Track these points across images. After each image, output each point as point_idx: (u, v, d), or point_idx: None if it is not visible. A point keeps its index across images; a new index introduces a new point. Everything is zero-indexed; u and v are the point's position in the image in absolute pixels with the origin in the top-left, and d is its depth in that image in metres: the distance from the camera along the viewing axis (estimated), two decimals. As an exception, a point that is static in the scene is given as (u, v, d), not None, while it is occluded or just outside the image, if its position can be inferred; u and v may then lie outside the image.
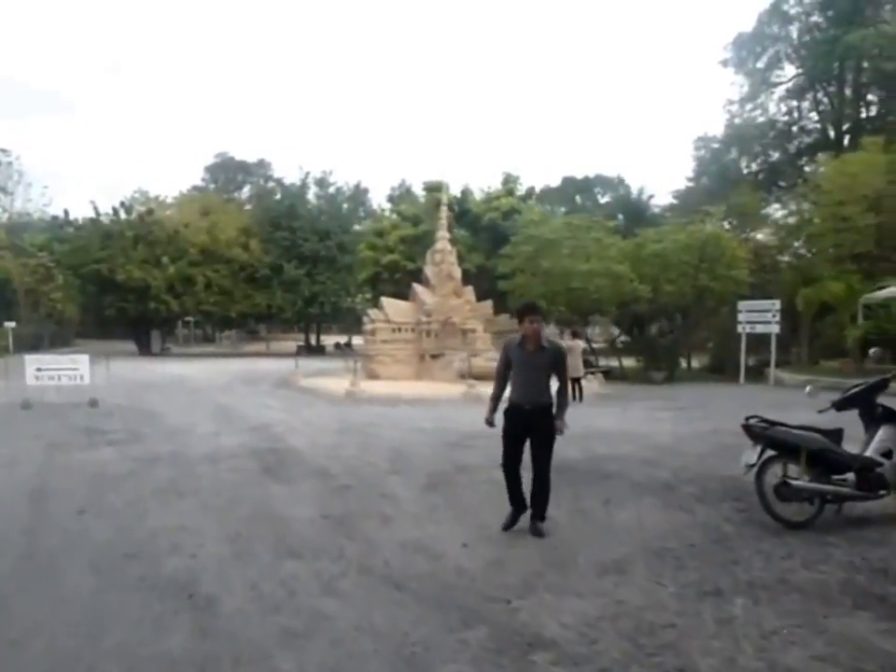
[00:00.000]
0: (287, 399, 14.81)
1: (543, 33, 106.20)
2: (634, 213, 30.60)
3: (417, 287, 20.42)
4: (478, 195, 31.38)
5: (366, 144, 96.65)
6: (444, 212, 20.97)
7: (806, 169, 33.76)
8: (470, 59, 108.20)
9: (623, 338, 23.62)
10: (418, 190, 48.76)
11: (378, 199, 60.55)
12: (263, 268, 36.54)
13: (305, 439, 9.74)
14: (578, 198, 34.51)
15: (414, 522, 5.70)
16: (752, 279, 19.75)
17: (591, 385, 16.24)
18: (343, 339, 47.75)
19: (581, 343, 15.23)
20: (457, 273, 20.47)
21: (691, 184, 44.42)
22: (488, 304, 21.09)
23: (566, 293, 19.22)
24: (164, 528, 5.49)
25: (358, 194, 45.55)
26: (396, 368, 18.99)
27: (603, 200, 44.41)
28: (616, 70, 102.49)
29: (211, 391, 16.45)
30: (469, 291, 20.74)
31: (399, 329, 19.47)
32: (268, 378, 20.28)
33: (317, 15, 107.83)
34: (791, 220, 24.01)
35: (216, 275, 35.84)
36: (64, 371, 13.64)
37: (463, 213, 29.64)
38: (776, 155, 37.26)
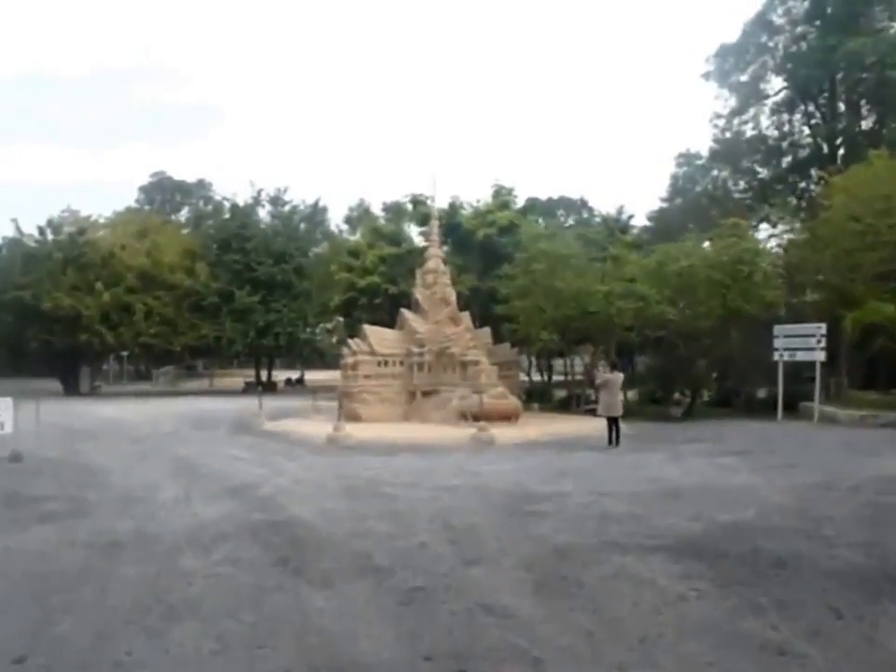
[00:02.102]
0: (257, 447, 13.91)
1: (512, 48, 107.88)
2: (611, 235, 29.92)
3: (406, 314, 19.71)
4: (466, 210, 30.23)
5: (323, 160, 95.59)
6: (435, 227, 20.49)
7: (801, 185, 33.59)
8: (439, 73, 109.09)
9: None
10: (377, 210, 47.93)
11: (338, 219, 59.34)
12: (211, 295, 35.59)
13: (308, 505, 8.20)
14: (540, 220, 34.12)
15: (576, 664, 3.89)
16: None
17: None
18: (294, 374, 47.42)
19: (620, 376, 14.05)
20: (452, 296, 19.85)
21: (664, 204, 44.70)
22: (486, 332, 20.53)
23: (581, 318, 18.71)
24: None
25: (317, 213, 44.16)
26: (381, 408, 18.16)
27: (567, 223, 44.16)
28: (586, 85, 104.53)
29: (161, 439, 15.51)
30: (466, 317, 20.17)
31: (386, 362, 18.63)
32: (223, 421, 19.60)
33: (271, 16, 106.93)
34: (791, 237, 23.53)
35: (157, 303, 34.60)
36: (-22, 417, 11.75)
37: (451, 229, 28.61)
38: (764, 171, 37.26)
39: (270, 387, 38.42)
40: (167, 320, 35.05)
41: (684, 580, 5.18)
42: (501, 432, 14.30)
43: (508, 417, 16.12)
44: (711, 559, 5.69)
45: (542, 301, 19.66)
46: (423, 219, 29.04)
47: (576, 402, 20.97)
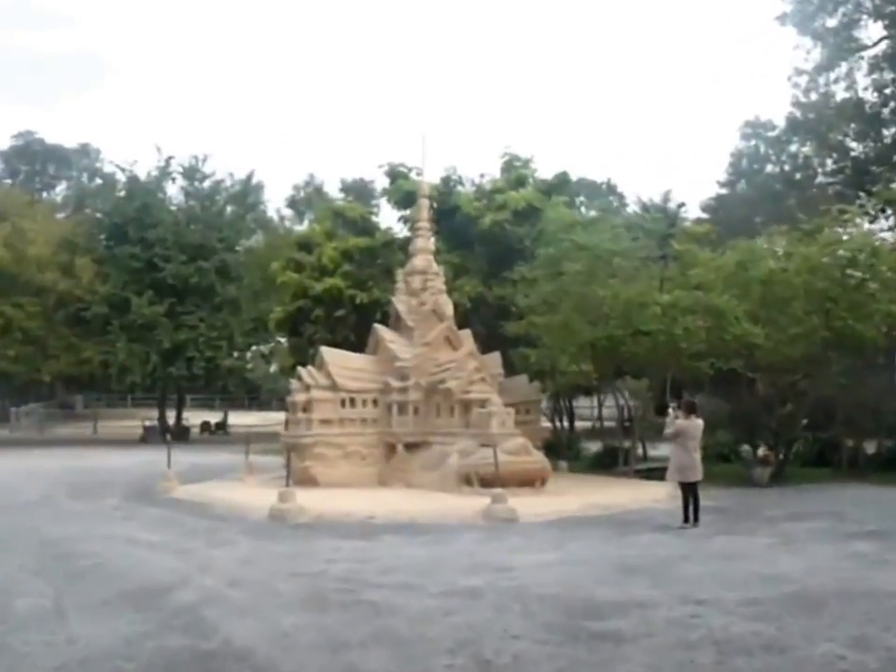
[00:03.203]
0: (167, 526, 13.82)
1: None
2: (672, 225, 29.87)
3: (382, 332, 19.79)
4: (466, 188, 30.17)
5: (256, 122, 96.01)
6: (425, 210, 20.73)
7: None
8: (421, 17, 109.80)
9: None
10: (334, 191, 47.39)
11: (279, 201, 61.16)
12: (97, 303, 35.58)
13: (252, 623, 7.68)
14: (580, 205, 34.64)
15: None
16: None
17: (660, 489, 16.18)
18: (215, 416, 47.85)
19: (699, 424, 13.64)
20: (449, 307, 20.06)
21: (723, 190, 44.92)
22: (496, 359, 20.50)
23: (631, 339, 18.92)
24: None
25: (249, 192, 44.12)
26: (346, 467, 18.30)
27: (589, 211, 44.44)
28: (611, 29, 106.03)
29: (21, 513, 15.35)
30: (468, 338, 20.14)
31: (352, 401, 18.72)
32: (114, 484, 19.77)
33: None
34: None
35: (18, 314, 34.42)
36: None
37: (446, 214, 28.45)
38: (860, 147, 37.50)
39: (180, 434, 38.16)
40: (33, 338, 34.81)
41: None
42: (525, 503, 14.27)
43: (531, 482, 16.13)
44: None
45: (575, 316, 19.79)
46: (405, 199, 28.97)
47: (622, 459, 20.95)
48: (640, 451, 22.84)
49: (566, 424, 30.88)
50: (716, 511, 14.45)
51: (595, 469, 21.80)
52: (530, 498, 14.99)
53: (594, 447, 24.90)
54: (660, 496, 15.78)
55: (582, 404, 47.27)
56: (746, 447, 21.02)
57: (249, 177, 44.38)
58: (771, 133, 40.69)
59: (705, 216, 41.95)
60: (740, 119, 55.93)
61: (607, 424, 29.95)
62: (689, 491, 13.11)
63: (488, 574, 9.60)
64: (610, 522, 13.67)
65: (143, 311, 34.99)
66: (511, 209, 27.65)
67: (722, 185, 44.37)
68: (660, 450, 24.07)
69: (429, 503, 15.17)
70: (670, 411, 14.23)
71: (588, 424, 42.81)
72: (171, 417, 41.10)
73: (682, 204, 40.90)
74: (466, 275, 27.47)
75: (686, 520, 12.98)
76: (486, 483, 15.26)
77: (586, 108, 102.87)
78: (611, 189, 50.63)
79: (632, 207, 43.67)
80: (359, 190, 39.16)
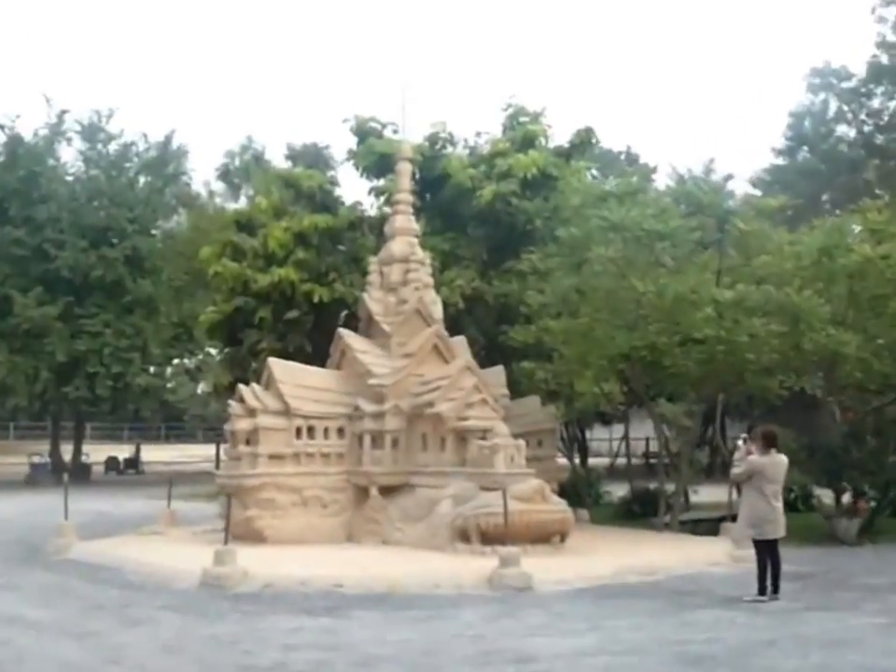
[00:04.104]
0: (64, 596, 13.68)
1: None
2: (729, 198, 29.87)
3: (349, 340, 20.01)
4: (458, 150, 29.93)
5: (174, 67, 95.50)
6: (407, 178, 21.13)
7: None
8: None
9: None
10: (279, 159, 46.97)
11: (207, 171, 61.57)
12: None
13: None
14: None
15: None
16: None
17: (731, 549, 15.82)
18: (125, 450, 48.26)
19: (783, 461, 13.48)
20: (438, 308, 20.37)
21: (781, 160, 45.08)
22: (499, 374, 20.72)
23: (680, 350, 18.96)
24: None
25: (168, 159, 44.03)
26: (303, 518, 18.24)
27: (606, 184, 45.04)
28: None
29: None
30: (463, 346, 20.46)
31: (310, 430, 18.68)
32: None
33: None
34: None
35: None
36: None
37: (430, 184, 28.10)
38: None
39: (79, 474, 37.87)
40: None
41: None
42: (542, 566, 14.14)
43: (548, 537, 16.18)
44: None
45: (604, 319, 20.06)
46: (378, 165, 28.62)
47: (662, 507, 20.83)
48: (688, 494, 22.98)
49: (577, 457, 30.97)
50: (797, 578, 14.21)
51: (624, 520, 21.91)
52: (548, 559, 14.95)
53: (617, 490, 25.06)
54: (717, 556, 15.67)
55: (596, 435, 47.77)
56: (824, 491, 21.01)
57: (168, 140, 44.14)
58: (846, 84, 40.71)
59: (756, 192, 42.01)
60: (804, 68, 56.08)
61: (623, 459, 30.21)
62: (767, 552, 12.90)
63: (505, 667, 9.44)
64: (658, 592, 13.56)
65: (29, 313, 34.82)
66: (516, 178, 27.20)
67: (779, 153, 44.64)
68: (702, 494, 24.02)
69: (414, 566, 15.01)
70: (740, 443, 14.15)
71: (604, 459, 43.35)
72: (67, 452, 40.82)
73: (730, 176, 40.84)
74: (458, 265, 27.11)
75: (762, 590, 12.72)
76: (489, 538, 15.30)
77: (596, 57, 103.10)
78: (631, 158, 51.21)
79: (657, 182, 43.79)
80: (312, 158, 38.70)
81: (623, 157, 51.03)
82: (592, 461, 35.90)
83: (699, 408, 22.12)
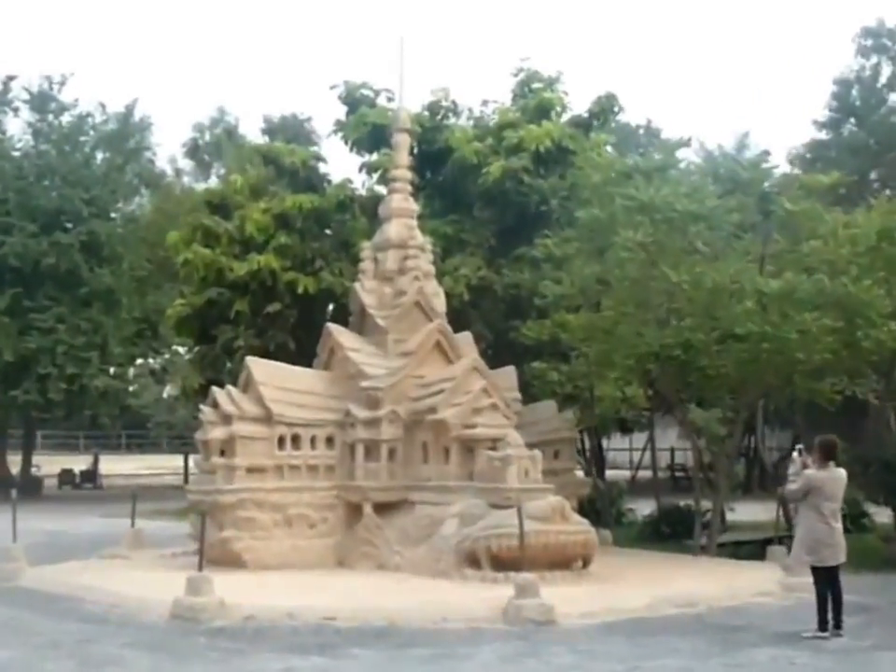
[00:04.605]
0: (13, 632, 13.62)
1: None
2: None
3: (339, 337, 20.09)
4: (462, 120, 30.33)
5: (135, 31, 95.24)
6: (405, 152, 21.18)
7: None
8: None
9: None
10: (255, 133, 47.10)
11: (174, 146, 61.92)
12: None
13: None
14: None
15: None
16: None
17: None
18: (81, 461, 48.56)
19: (842, 475, 13.41)
20: (440, 300, 20.54)
21: (823, 134, 45.07)
22: (510, 375, 20.82)
23: (718, 348, 19.04)
24: None
25: (130, 132, 44.55)
26: (287, 539, 18.28)
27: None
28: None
29: None
30: (469, 344, 20.63)
31: (296, 440, 18.71)
32: None
33: None
34: None
35: None
36: None
37: (430, 158, 28.70)
38: None
39: (29, 489, 38.18)
40: None
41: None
42: (564, 596, 14.14)
43: (569, 562, 16.27)
44: None
45: (631, 312, 20.09)
46: (370, 138, 28.97)
47: (698, 527, 20.82)
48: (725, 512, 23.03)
49: (593, 470, 31.26)
50: (860, 610, 14.13)
51: (651, 542, 22.01)
52: (571, 588, 15.00)
53: (641, 507, 25.38)
54: (766, 584, 15.63)
55: (613, 444, 47.91)
56: (879, 509, 21.18)
57: (130, 110, 44.46)
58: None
59: (792, 169, 42.10)
60: (853, 28, 56.08)
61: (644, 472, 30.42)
62: (827, 580, 12.80)
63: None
64: (701, 627, 13.45)
65: (-26, 306, 35.18)
66: (528, 152, 27.44)
67: (821, 126, 44.62)
68: (739, 513, 23.93)
69: (417, 595, 15.03)
70: (795, 455, 14.04)
71: (623, 472, 43.54)
72: (14, 464, 41.14)
73: (767, 152, 40.84)
74: (463, 252, 27.53)
75: (823, 626, 12.58)
76: (502, 563, 15.39)
77: (614, 18, 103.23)
78: (652, 132, 51.92)
79: (690, 157, 44.03)
80: (293, 131, 38.85)
81: (641, 131, 51.76)
82: (610, 474, 35.93)
83: (741, 415, 22.05)
